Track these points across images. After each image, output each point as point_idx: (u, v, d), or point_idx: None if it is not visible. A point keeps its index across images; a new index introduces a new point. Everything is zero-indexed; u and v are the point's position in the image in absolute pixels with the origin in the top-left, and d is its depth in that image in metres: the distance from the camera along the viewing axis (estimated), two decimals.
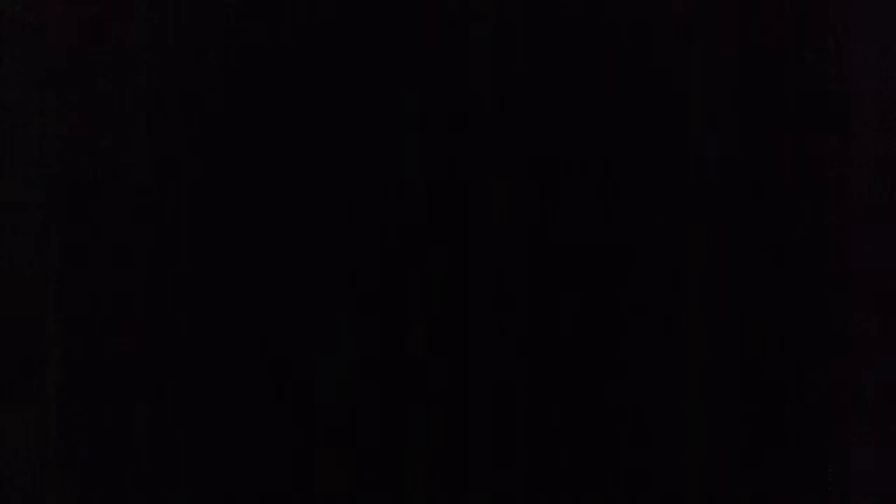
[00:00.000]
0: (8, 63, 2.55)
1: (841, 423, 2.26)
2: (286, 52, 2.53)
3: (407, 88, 2.52)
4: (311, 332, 2.45)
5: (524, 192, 2.52)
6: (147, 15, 2.53)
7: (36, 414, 2.49)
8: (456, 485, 2.42)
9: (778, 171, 2.35)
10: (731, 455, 2.33)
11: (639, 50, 2.42)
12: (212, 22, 2.54)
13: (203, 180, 2.54)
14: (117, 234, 2.55)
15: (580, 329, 2.49)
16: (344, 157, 2.52)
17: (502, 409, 2.47)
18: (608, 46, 2.43)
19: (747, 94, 2.37)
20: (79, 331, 2.52)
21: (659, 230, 2.44)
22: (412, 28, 2.51)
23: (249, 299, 2.52)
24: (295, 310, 2.47)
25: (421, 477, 2.43)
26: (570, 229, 2.52)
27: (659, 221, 2.44)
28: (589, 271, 2.50)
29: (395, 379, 2.49)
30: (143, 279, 2.54)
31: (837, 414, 2.26)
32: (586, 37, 2.46)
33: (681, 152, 2.41)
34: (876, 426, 2.24)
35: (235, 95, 2.55)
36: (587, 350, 2.47)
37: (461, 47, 2.49)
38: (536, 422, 2.45)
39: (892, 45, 2.30)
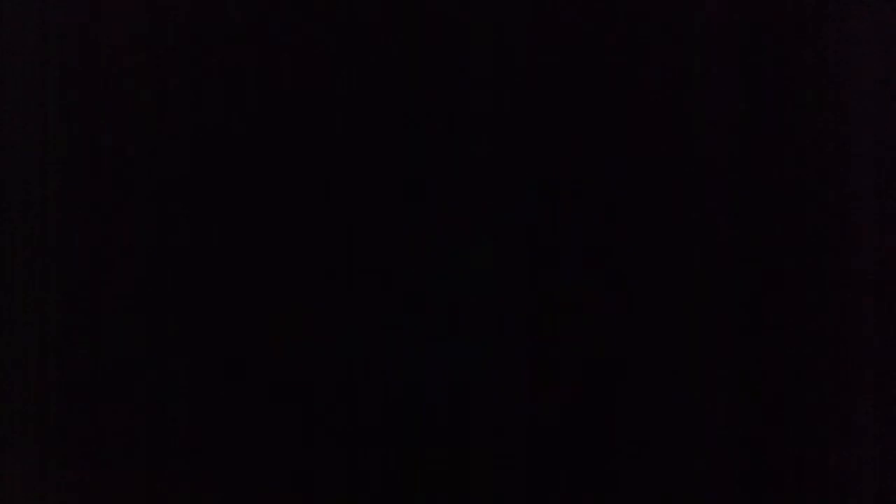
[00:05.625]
0: (9, 64, 2.56)
1: (841, 421, 2.26)
2: (286, 52, 2.54)
3: (407, 88, 2.54)
4: (309, 332, 2.46)
5: (524, 193, 2.53)
6: (148, 18, 2.55)
7: (36, 413, 2.50)
8: (455, 487, 2.43)
9: (779, 172, 2.36)
10: (730, 453, 2.33)
11: (640, 53, 2.43)
12: (211, 21, 2.55)
13: (203, 180, 2.55)
14: (117, 235, 2.56)
15: (581, 327, 2.51)
16: (343, 158, 2.53)
17: (502, 412, 2.48)
18: (610, 52, 2.45)
19: (749, 97, 2.38)
20: (79, 331, 2.53)
21: (660, 230, 2.45)
22: (413, 28, 2.52)
23: (249, 300, 2.53)
24: (294, 309, 2.48)
25: (420, 476, 2.44)
26: (569, 228, 2.54)
27: (661, 222, 2.45)
28: (590, 269, 2.51)
29: (395, 379, 2.50)
30: (142, 279, 2.55)
31: (837, 413, 2.27)
32: (587, 40, 2.47)
33: (682, 154, 2.42)
34: (876, 424, 2.24)
35: (235, 96, 2.56)
36: (588, 346, 2.49)
37: (461, 47, 2.50)
38: (536, 424, 2.46)
39: (892, 45, 2.31)
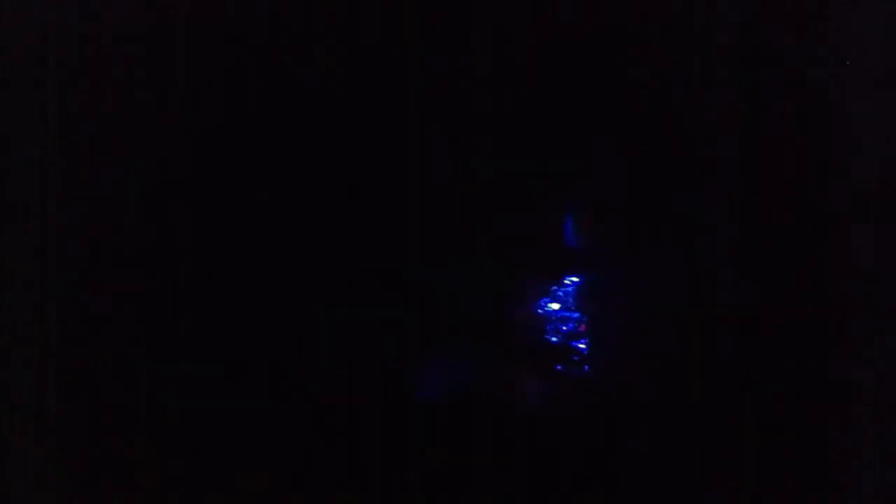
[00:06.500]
0: (9, 63, 2.56)
1: (841, 422, 2.26)
2: (286, 51, 2.54)
3: (408, 90, 2.53)
4: (309, 333, 2.46)
5: (522, 193, 2.53)
6: (150, 19, 2.55)
7: (36, 413, 2.50)
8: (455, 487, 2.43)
9: (779, 173, 2.36)
10: (731, 452, 2.33)
11: (642, 57, 2.42)
12: (211, 22, 2.55)
13: (203, 181, 2.55)
14: (117, 235, 2.56)
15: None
16: (343, 159, 2.53)
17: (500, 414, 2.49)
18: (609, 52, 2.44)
19: (750, 97, 2.38)
20: (79, 331, 2.53)
21: (663, 231, 2.44)
22: (413, 29, 2.52)
23: (249, 300, 2.53)
24: (294, 311, 2.48)
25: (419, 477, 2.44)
26: (568, 226, 2.54)
27: (663, 222, 2.44)
28: (591, 271, 2.51)
29: (393, 380, 2.50)
30: (142, 280, 2.55)
31: (837, 414, 2.26)
32: (586, 41, 2.47)
33: (684, 153, 2.41)
34: (876, 426, 2.24)
35: (235, 95, 2.55)
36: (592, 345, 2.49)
37: (461, 47, 2.50)
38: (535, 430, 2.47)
39: (892, 46, 2.31)
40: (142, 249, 2.57)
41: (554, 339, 2.50)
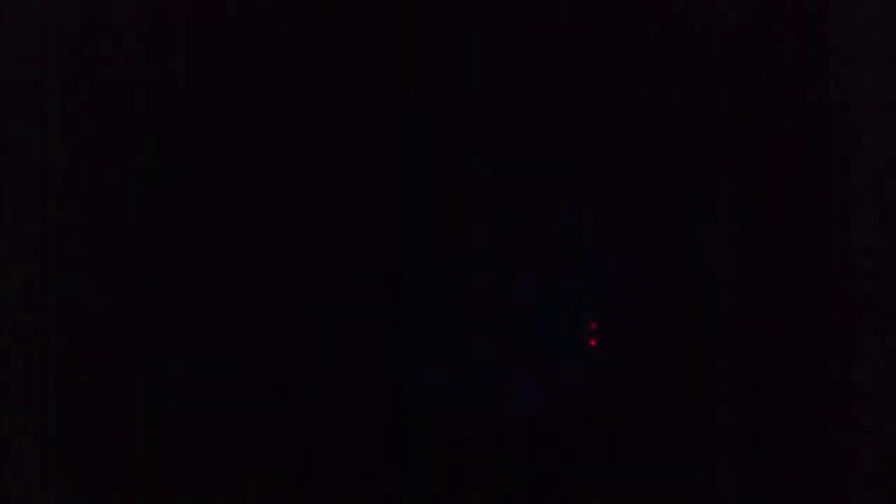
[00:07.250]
0: (9, 63, 2.56)
1: (841, 422, 2.26)
2: (286, 51, 2.54)
3: (408, 89, 2.53)
4: (309, 333, 2.46)
5: (522, 193, 2.53)
6: (149, 18, 2.55)
7: (36, 413, 2.50)
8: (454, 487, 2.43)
9: (779, 173, 2.36)
10: (730, 452, 2.33)
11: (642, 60, 2.42)
12: (211, 22, 2.55)
13: (203, 181, 2.55)
14: (117, 235, 2.56)
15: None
16: (343, 159, 2.53)
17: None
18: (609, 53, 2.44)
19: (750, 97, 2.38)
20: (79, 331, 2.53)
21: (662, 231, 2.44)
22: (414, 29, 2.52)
23: (249, 301, 2.53)
24: (294, 310, 2.48)
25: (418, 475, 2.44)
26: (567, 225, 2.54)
27: (663, 222, 2.44)
28: (592, 270, 2.51)
29: (393, 381, 2.50)
30: (142, 280, 2.55)
31: (837, 414, 2.26)
32: (586, 43, 2.47)
33: (684, 153, 2.41)
34: (876, 426, 2.24)
35: (235, 96, 2.55)
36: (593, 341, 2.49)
37: (461, 47, 2.50)
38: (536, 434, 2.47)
39: (892, 47, 2.30)
40: (142, 249, 2.56)
41: (563, 337, 2.49)
